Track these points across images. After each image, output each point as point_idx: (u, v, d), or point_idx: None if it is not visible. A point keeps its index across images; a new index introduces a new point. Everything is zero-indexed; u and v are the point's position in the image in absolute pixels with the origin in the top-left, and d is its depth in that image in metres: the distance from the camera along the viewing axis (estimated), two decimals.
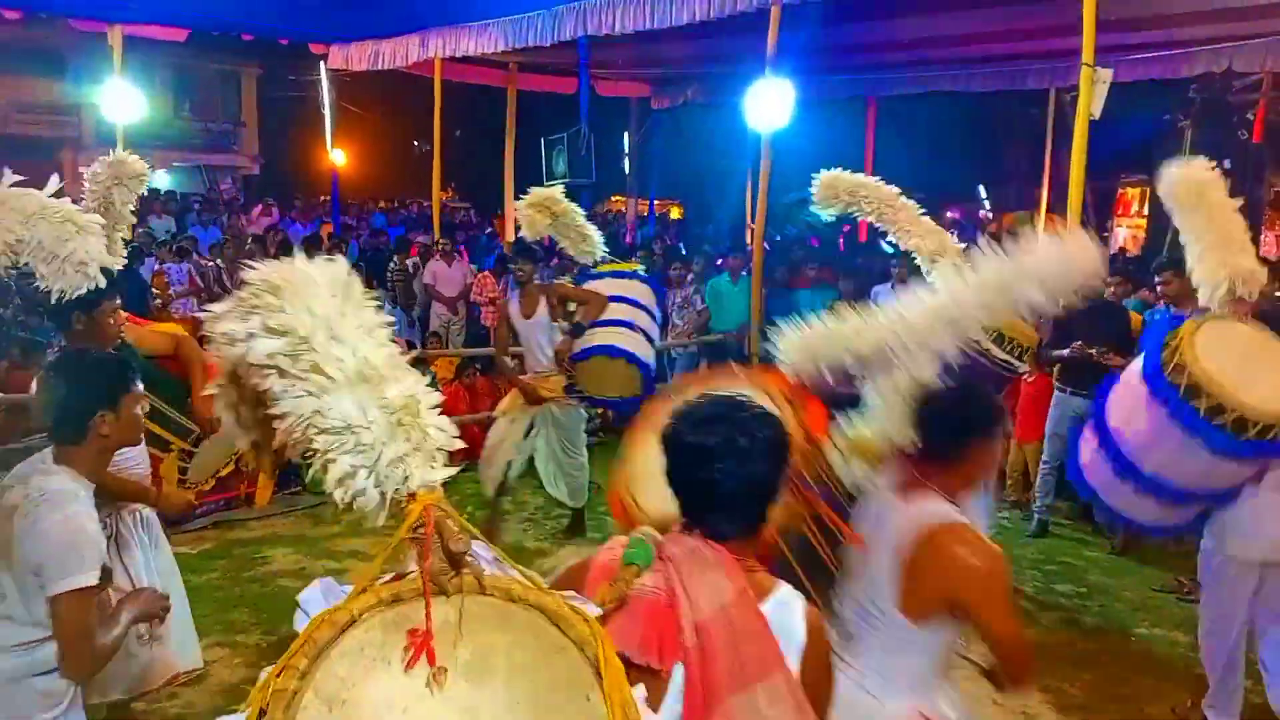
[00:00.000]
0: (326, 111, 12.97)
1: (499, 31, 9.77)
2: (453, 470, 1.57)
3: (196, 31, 11.60)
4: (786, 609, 1.87)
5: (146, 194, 13.48)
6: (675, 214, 25.32)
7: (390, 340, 1.64)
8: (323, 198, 18.58)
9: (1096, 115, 5.69)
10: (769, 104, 7.62)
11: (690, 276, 9.82)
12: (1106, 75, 5.73)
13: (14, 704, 2.55)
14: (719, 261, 10.28)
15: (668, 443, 1.92)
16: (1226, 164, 11.34)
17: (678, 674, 1.76)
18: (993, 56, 11.02)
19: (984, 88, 11.86)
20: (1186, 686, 4.38)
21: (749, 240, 8.58)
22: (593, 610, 1.61)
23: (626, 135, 16.94)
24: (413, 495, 1.51)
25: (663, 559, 1.84)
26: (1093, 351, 5.87)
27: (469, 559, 1.51)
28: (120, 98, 10.05)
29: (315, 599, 1.56)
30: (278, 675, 1.38)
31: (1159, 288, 6.05)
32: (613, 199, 23.71)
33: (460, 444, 1.62)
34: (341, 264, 1.68)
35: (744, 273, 9.43)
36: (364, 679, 1.40)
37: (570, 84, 12.28)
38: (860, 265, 9.80)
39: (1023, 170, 21.01)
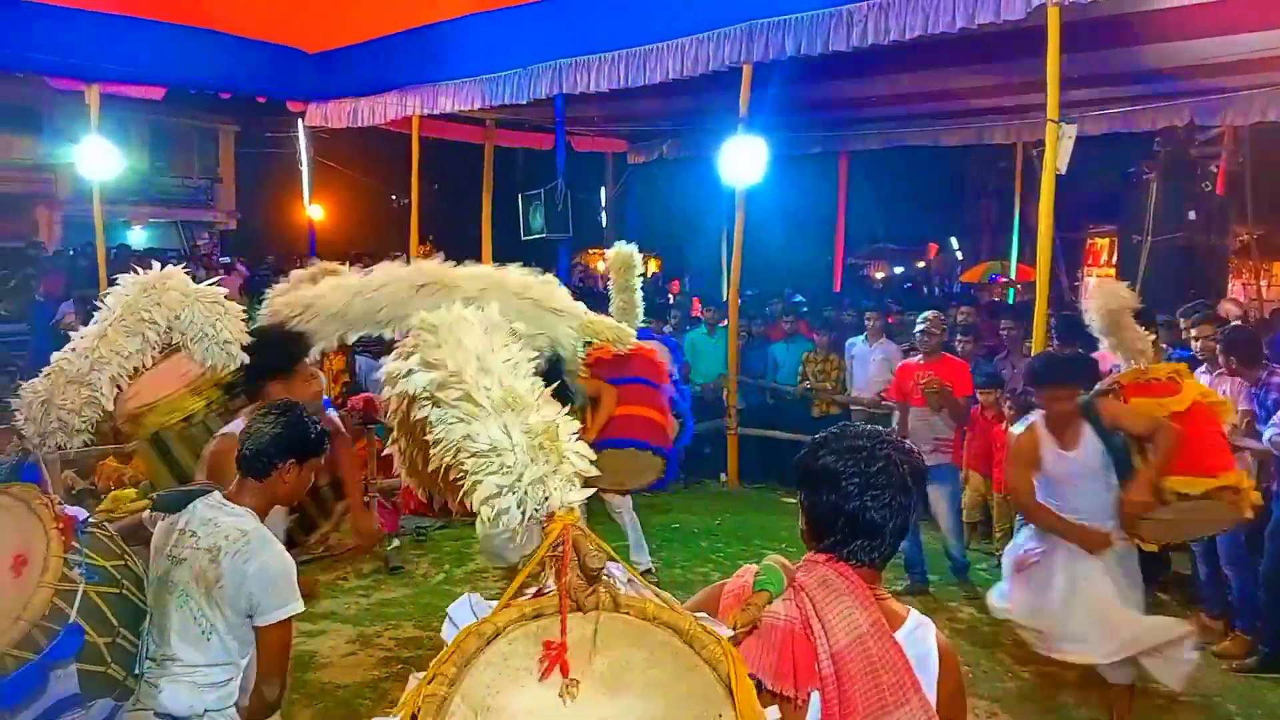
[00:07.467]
0: (304, 167, 13.03)
1: (476, 90, 9.89)
2: (589, 492, 1.68)
3: (173, 89, 11.65)
4: (919, 636, 1.89)
5: (116, 249, 13.28)
6: (653, 266, 25.48)
7: (534, 375, 1.79)
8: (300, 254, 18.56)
9: (1063, 170, 5.78)
10: (742, 160, 7.73)
11: (668, 330, 9.86)
12: (1071, 131, 5.84)
13: None
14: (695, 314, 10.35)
15: (811, 469, 1.94)
16: (1191, 215, 11.55)
17: (814, 701, 1.80)
18: (960, 112, 11.23)
19: (953, 142, 12.07)
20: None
21: (725, 294, 8.64)
22: (725, 632, 1.65)
23: (603, 190, 17.10)
24: (551, 515, 1.63)
25: (795, 587, 1.86)
26: None
27: (605, 578, 1.59)
28: (97, 155, 10.03)
29: (463, 612, 1.65)
30: (429, 682, 1.48)
31: None
32: (589, 252, 23.87)
33: (595, 470, 1.74)
34: (494, 308, 1.88)
35: (720, 325, 9.49)
36: (507, 688, 1.50)
37: (547, 140, 12.40)
38: (834, 318, 9.88)
39: (993, 221, 21.34)
